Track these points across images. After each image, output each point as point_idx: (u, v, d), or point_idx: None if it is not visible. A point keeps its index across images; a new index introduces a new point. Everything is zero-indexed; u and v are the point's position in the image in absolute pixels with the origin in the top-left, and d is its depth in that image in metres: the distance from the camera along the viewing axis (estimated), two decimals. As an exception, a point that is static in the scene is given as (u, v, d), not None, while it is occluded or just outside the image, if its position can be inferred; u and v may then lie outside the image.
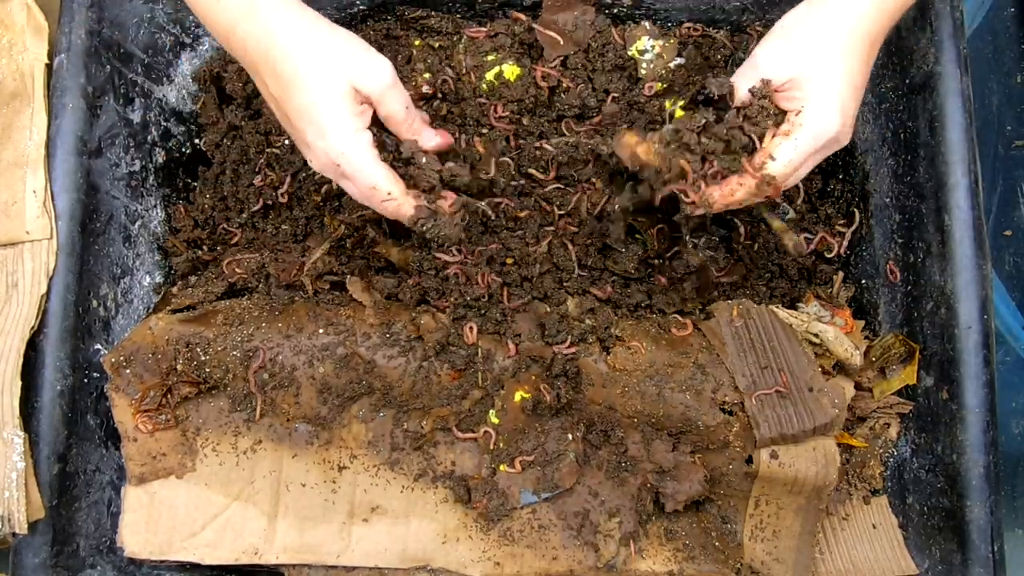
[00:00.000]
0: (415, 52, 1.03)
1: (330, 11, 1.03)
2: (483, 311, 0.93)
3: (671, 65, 1.03)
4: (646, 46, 1.03)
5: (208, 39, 1.04)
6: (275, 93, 0.77)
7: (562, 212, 0.98)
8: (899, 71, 0.97)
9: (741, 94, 0.81)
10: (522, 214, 0.98)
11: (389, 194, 0.78)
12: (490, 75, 1.00)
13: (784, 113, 0.79)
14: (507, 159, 0.98)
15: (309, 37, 0.75)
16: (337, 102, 0.75)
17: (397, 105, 0.79)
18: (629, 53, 1.03)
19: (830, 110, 0.76)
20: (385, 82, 0.78)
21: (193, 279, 0.99)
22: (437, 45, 1.03)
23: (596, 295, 0.96)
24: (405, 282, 0.94)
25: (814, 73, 0.77)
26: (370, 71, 0.77)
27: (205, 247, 1.03)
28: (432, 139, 0.82)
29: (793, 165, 0.77)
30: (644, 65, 1.03)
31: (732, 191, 0.78)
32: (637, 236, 0.98)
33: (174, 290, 0.97)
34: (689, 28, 1.03)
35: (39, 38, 0.92)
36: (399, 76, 1.02)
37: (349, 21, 1.04)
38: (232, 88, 1.03)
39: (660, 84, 1.02)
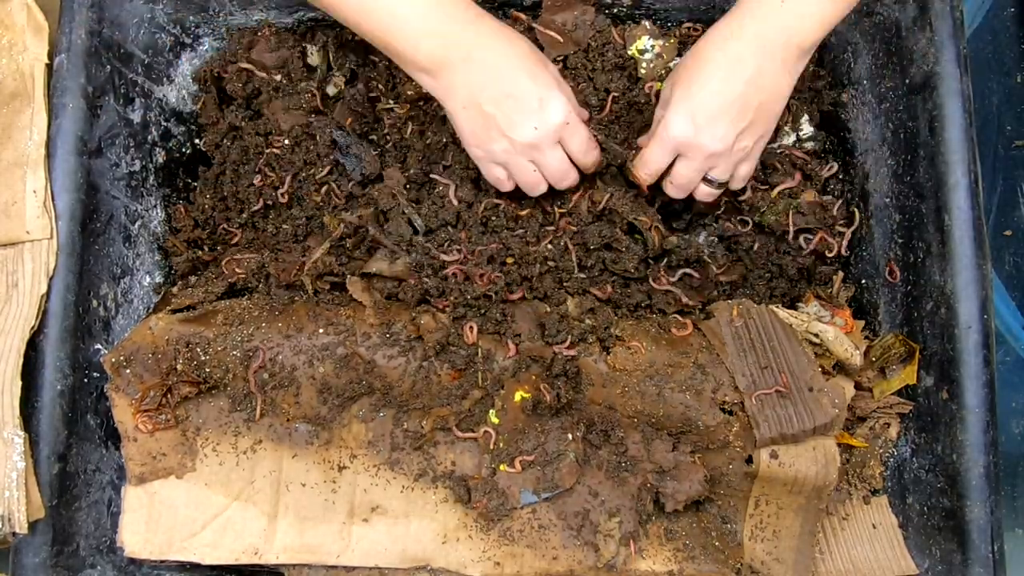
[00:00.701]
0: None
1: (330, 11, 1.03)
2: (483, 311, 0.93)
3: (671, 65, 1.03)
4: (646, 46, 1.03)
5: (208, 39, 1.05)
6: (492, 81, 0.84)
7: (562, 211, 0.98)
8: (899, 71, 0.97)
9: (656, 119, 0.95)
10: (523, 212, 0.98)
11: (595, 148, 0.92)
12: None
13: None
14: None
15: (508, 32, 0.86)
16: (552, 69, 0.88)
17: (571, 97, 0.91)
18: (629, 53, 1.03)
19: (679, 118, 0.86)
20: (559, 74, 0.91)
21: (193, 279, 0.99)
22: None
23: (596, 295, 0.96)
24: (406, 282, 0.94)
25: (673, 86, 0.89)
26: (548, 60, 0.90)
27: (205, 247, 1.03)
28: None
29: (649, 163, 0.92)
30: (644, 65, 1.03)
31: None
32: (637, 236, 0.98)
33: (174, 290, 0.97)
34: (689, 28, 1.03)
35: (39, 38, 0.92)
36: (396, 76, 1.02)
37: (349, 21, 1.04)
38: (232, 88, 1.03)
39: (660, 84, 1.02)
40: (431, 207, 0.97)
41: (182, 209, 1.02)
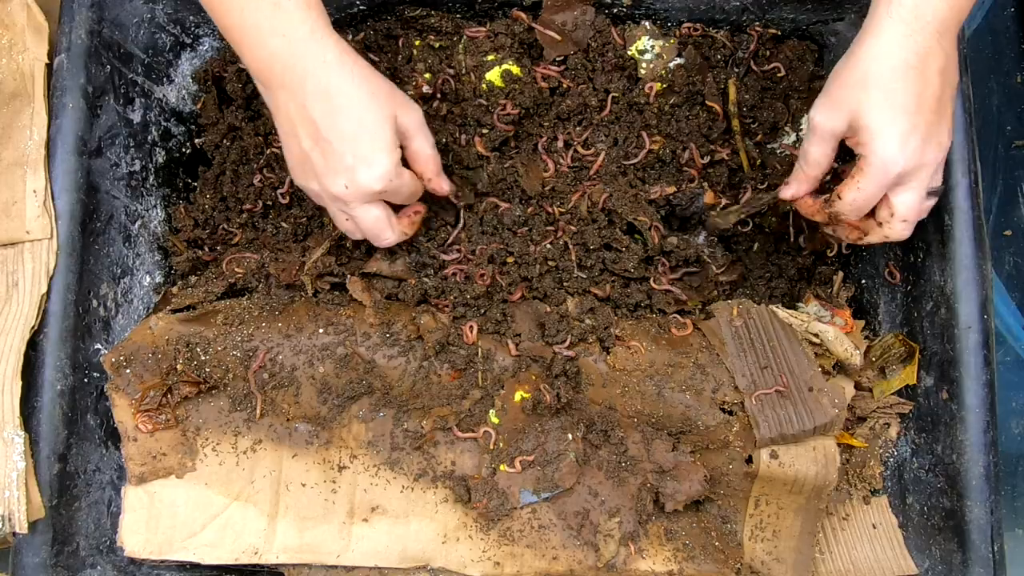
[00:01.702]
0: (415, 52, 1.03)
1: (330, 11, 1.02)
2: (483, 310, 0.93)
3: (671, 65, 1.03)
4: (646, 46, 1.03)
5: (208, 39, 1.04)
6: (315, 115, 0.78)
7: (563, 211, 0.98)
8: (899, 71, 0.96)
9: (814, 157, 0.84)
10: (527, 211, 0.98)
11: (419, 211, 0.87)
12: (490, 75, 1.00)
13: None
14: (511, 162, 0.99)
15: (359, 69, 0.80)
16: (388, 129, 0.80)
17: (427, 142, 0.86)
18: (629, 53, 1.03)
19: (887, 148, 0.77)
20: (420, 119, 0.84)
21: (193, 279, 0.99)
22: (437, 45, 1.03)
23: (596, 295, 0.96)
24: (406, 282, 0.94)
25: (862, 116, 0.78)
26: (409, 107, 0.83)
27: (206, 247, 1.03)
28: (446, 185, 0.89)
29: (857, 204, 0.81)
30: (644, 65, 1.03)
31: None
32: (637, 236, 0.98)
33: (174, 290, 0.97)
34: (689, 28, 1.03)
35: (39, 38, 0.92)
36: (399, 75, 1.02)
37: (349, 21, 1.04)
38: (232, 88, 1.03)
39: (660, 84, 1.02)
40: (430, 208, 0.97)
41: (182, 209, 1.02)
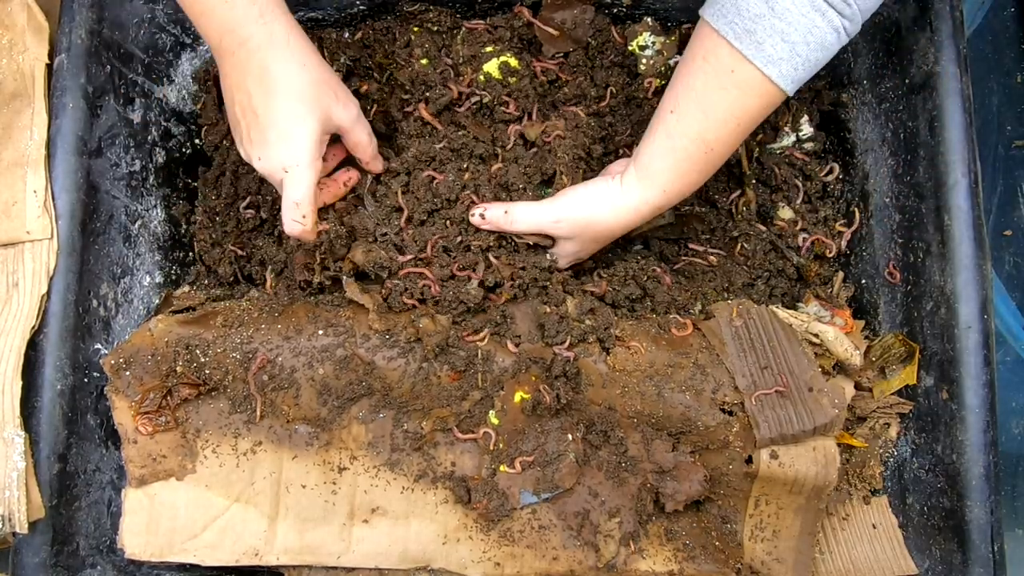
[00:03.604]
0: (413, 36, 1.03)
1: (330, 11, 1.03)
2: (483, 309, 0.93)
3: (671, 62, 1.03)
4: (647, 42, 1.03)
5: (208, 39, 1.05)
6: (251, 89, 0.83)
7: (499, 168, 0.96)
8: (899, 71, 0.97)
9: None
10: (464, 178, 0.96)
11: (304, 217, 0.85)
12: (488, 67, 1.00)
13: None
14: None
15: (304, 59, 0.83)
16: (313, 122, 0.83)
17: (363, 132, 0.91)
18: (629, 48, 1.03)
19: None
20: (355, 113, 0.89)
21: (193, 279, 0.99)
22: (435, 29, 1.03)
23: (592, 292, 0.96)
24: (384, 288, 0.93)
25: None
26: (346, 102, 0.88)
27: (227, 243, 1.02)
28: (380, 165, 0.95)
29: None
30: (644, 61, 1.03)
31: None
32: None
33: (176, 292, 0.97)
34: (689, 28, 1.03)
35: (40, 38, 0.92)
36: (397, 59, 1.02)
37: (349, 20, 1.04)
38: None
39: (659, 80, 1.02)
40: (379, 204, 0.96)
41: (200, 210, 1.02)
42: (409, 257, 0.92)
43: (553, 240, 0.93)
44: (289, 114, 0.82)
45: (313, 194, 0.85)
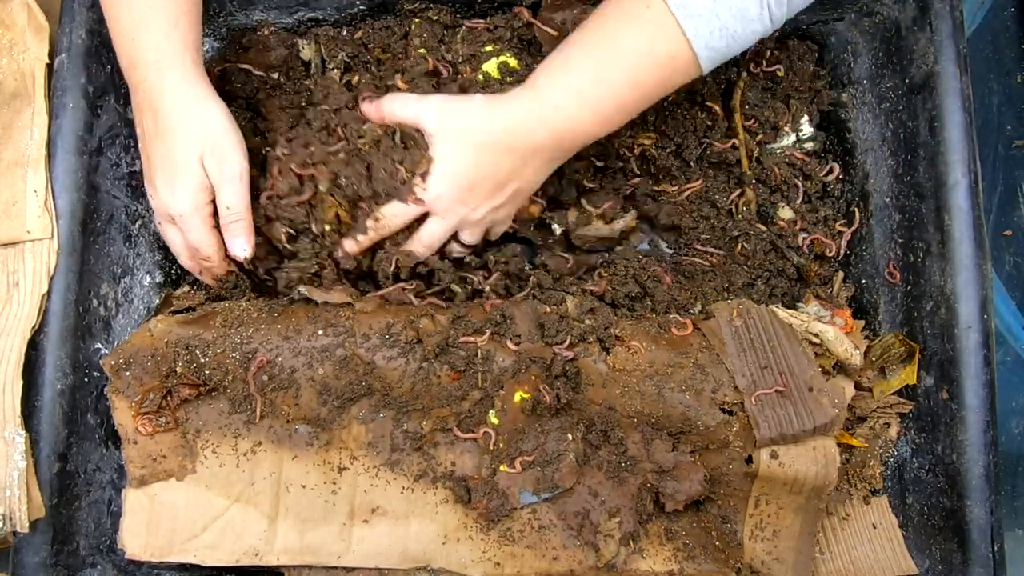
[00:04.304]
0: (413, 27, 1.03)
1: (330, 11, 1.03)
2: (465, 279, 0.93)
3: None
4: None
5: (208, 40, 1.04)
6: (148, 128, 0.86)
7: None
8: (899, 71, 0.97)
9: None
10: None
11: (209, 258, 0.88)
12: (487, 66, 1.00)
13: None
14: None
15: (198, 110, 0.84)
16: (196, 168, 0.84)
17: (234, 196, 0.86)
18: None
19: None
20: (236, 171, 0.85)
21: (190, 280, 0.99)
22: (435, 19, 1.03)
23: (592, 291, 0.96)
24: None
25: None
26: (231, 157, 0.85)
27: None
28: (240, 249, 0.88)
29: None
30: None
31: None
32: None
33: (176, 292, 0.97)
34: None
35: (40, 38, 0.92)
36: (396, 51, 1.02)
37: (349, 20, 1.04)
38: (232, 88, 1.03)
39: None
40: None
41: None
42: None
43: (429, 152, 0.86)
44: (173, 163, 0.84)
45: (208, 235, 0.86)
